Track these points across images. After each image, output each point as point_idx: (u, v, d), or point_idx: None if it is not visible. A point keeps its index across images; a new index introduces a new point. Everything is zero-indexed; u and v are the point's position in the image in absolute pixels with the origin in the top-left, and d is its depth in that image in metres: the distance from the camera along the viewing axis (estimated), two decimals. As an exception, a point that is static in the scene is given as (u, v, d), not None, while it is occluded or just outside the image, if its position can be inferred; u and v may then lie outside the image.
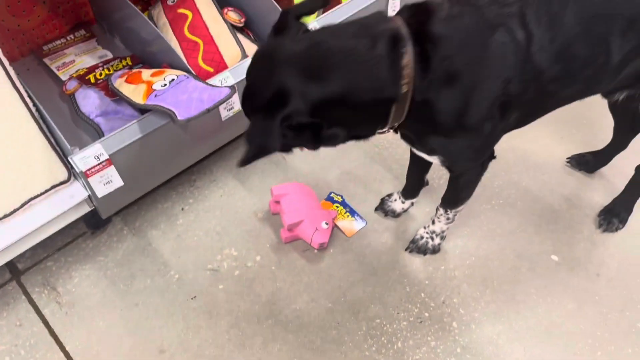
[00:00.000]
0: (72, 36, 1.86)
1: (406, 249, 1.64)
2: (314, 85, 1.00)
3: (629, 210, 1.68)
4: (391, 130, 1.19)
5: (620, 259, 1.60)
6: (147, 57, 1.72)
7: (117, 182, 1.41)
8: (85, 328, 1.48)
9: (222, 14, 1.70)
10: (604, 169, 1.79)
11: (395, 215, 1.71)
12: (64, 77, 1.72)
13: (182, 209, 1.72)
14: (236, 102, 1.52)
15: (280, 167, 1.82)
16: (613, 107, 1.60)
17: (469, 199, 1.47)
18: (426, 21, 1.06)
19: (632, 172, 1.61)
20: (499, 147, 1.30)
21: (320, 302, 1.53)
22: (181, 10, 1.71)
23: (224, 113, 1.52)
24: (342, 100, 1.03)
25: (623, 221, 1.67)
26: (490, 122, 1.16)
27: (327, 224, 1.60)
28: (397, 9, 1.77)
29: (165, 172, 1.62)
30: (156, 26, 1.75)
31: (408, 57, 1.03)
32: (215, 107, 1.30)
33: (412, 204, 1.71)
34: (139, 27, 1.65)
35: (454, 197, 1.49)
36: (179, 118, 1.28)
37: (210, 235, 1.66)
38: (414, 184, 1.66)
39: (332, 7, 1.71)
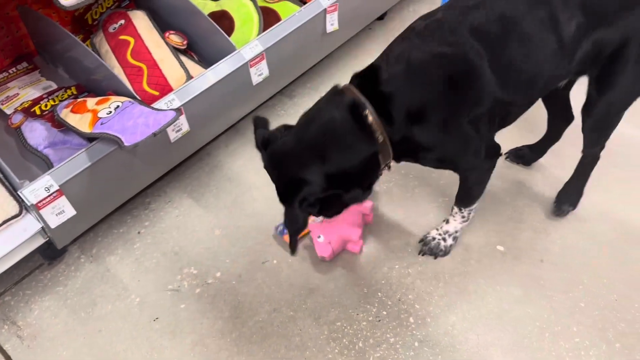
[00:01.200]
0: (14, 69, 1.86)
1: (419, 253, 1.67)
2: (314, 168, 1.25)
3: (579, 194, 1.77)
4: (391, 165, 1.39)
5: (561, 244, 1.70)
6: (92, 85, 1.73)
7: (70, 211, 1.42)
8: (49, 359, 1.48)
9: (164, 38, 1.74)
10: (542, 160, 1.90)
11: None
12: (8, 111, 1.72)
13: (139, 232, 1.74)
14: (184, 124, 1.56)
15: (234, 183, 1.86)
16: (547, 100, 1.70)
17: (481, 196, 1.57)
18: (374, 81, 1.26)
19: (569, 160, 1.71)
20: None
21: (282, 311, 1.57)
22: (123, 37, 1.74)
23: (173, 135, 1.55)
24: (340, 170, 1.27)
25: (574, 204, 1.76)
26: (466, 132, 1.32)
27: (320, 237, 1.61)
28: (335, 24, 1.86)
29: (118, 197, 1.64)
30: (99, 54, 1.77)
31: (371, 116, 1.25)
32: (162, 130, 1.34)
33: None
34: (82, 56, 1.67)
35: (466, 195, 1.57)
36: (126, 144, 1.30)
37: (169, 256, 1.68)
38: None
39: (272, 24, 1.77)
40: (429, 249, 1.67)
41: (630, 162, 1.88)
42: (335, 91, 1.31)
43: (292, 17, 1.76)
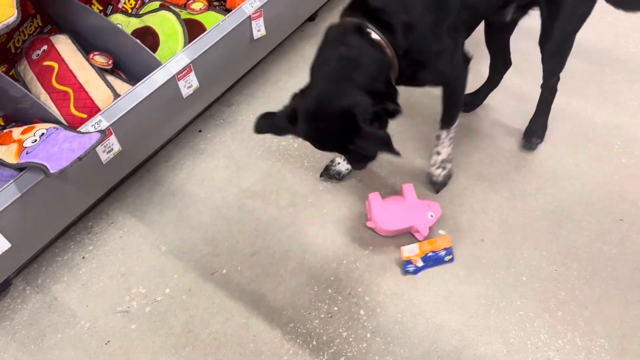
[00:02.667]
0: (-62, 106, 1.81)
1: (436, 193, 1.80)
2: (353, 91, 1.28)
3: (544, 127, 1.93)
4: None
5: (500, 222, 1.75)
6: (19, 114, 1.70)
7: (4, 244, 1.40)
8: (-1, 397, 1.45)
9: (88, 60, 1.72)
10: (474, 152, 1.96)
11: (340, 177, 1.84)
12: None
13: (83, 257, 1.72)
14: (114, 144, 1.55)
15: (177, 197, 1.85)
16: (489, 41, 1.84)
17: (461, 109, 1.69)
18: (364, 5, 1.36)
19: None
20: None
21: (235, 320, 1.57)
22: (47, 63, 1.71)
23: (104, 156, 1.54)
24: (371, 85, 1.31)
25: (541, 137, 1.92)
26: (448, 42, 1.46)
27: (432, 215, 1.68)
28: (262, 29, 1.87)
29: (56, 224, 1.61)
30: (24, 82, 1.74)
31: (374, 33, 1.33)
32: (88, 153, 1.33)
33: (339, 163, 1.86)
34: (6, 86, 1.64)
35: (452, 108, 1.68)
36: (52, 171, 1.29)
37: (116, 278, 1.67)
38: None
39: (198, 35, 1.77)
40: (440, 184, 1.80)
41: (558, 138, 1.96)
42: (331, 27, 1.38)
43: (216, 27, 1.76)
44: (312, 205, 1.81)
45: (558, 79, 1.81)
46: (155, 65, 1.66)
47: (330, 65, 1.32)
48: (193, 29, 1.81)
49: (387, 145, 1.28)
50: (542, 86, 1.83)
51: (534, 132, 1.92)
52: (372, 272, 1.65)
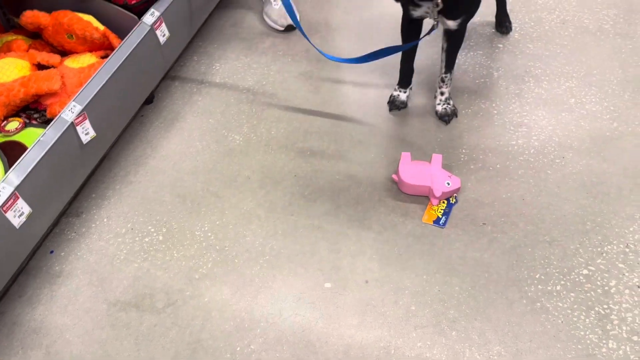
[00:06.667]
0: None
1: (447, 124, 2.14)
2: None
3: (507, 16, 2.49)
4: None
5: (378, 257, 1.77)
6: None
7: None
8: None
9: None
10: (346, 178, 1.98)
11: (405, 105, 2.22)
12: None
13: None
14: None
15: (42, 333, 1.66)
16: None
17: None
18: None
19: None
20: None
21: None
22: None
23: None
24: None
25: (509, 23, 2.49)
26: None
27: (449, 183, 1.90)
28: (90, 132, 1.77)
29: None
30: None
31: None
32: None
33: (411, 89, 2.22)
34: None
35: (454, 57, 2.05)
36: None
37: None
38: (408, 72, 2.18)
39: (19, 156, 1.63)
40: (448, 115, 2.14)
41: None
42: None
43: (37, 144, 1.63)
44: (191, 297, 1.71)
45: None
46: (-26, 203, 1.49)
47: None
48: (13, 152, 1.66)
49: None
50: None
51: (502, 22, 2.48)
52: (269, 351, 1.59)
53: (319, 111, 2.26)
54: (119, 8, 2.05)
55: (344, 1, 2.79)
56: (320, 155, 2.09)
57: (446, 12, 1.84)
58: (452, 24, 1.90)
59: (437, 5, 1.79)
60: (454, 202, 1.89)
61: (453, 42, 2.01)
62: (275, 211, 1.92)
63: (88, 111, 1.77)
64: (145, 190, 2.02)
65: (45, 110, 1.85)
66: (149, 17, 2.07)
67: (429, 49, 2.39)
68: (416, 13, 1.91)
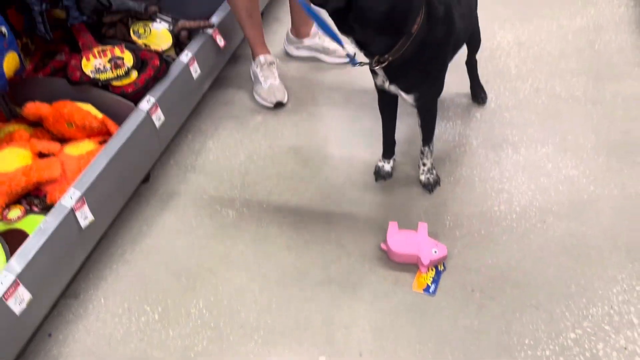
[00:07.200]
0: None
1: (431, 193, 2.23)
2: None
3: (481, 88, 2.64)
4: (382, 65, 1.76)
5: (371, 328, 1.81)
6: None
7: None
8: None
9: None
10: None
11: (390, 175, 2.32)
12: None
13: None
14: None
15: None
16: None
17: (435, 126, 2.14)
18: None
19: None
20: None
21: None
22: None
23: None
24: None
25: (484, 93, 2.64)
26: (447, 58, 1.94)
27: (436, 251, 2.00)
28: (89, 216, 1.84)
29: None
30: None
31: (421, 15, 1.68)
32: None
33: (394, 160, 2.33)
34: None
35: (429, 131, 2.14)
36: None
37: None
38: (390, 144, 2.29)
39: (21, 244, 1.69)
40: (432, 183, 2.23)
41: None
42: None
43: (37, 231, 1.70)
44: (187, 376, 1.73)
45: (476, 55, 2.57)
46: (-24, 292, 1.54)
47: None
48: (14, 240, 1.72)
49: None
50: (466, 64, 2.58)
51: (477, 94, 2.62)
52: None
53: (309, 183, 2.35)
54: (117, 97, 2.17)
55: (330, 79, 2.95)
56: (312, 226, 2.16)
57: (398, 83, 1.89)
58: (408, 99, 1.94)
59: (373, 64, 1.77)
60: (442, 269, 1.95)
61: (423, 118, 2.09)
62: (269, 285, 1.97)
63: (87, 196, 1.85)
64: (141, 269, 2.07)
65: (45, 197, 1.93)
66: (145, 104, 2.19)
67: (409, 119, 2.51)
68: (377, 81, 1.99)
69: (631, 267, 1.90)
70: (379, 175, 2.32)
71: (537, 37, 3.06)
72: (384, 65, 1.75)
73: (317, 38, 3.01)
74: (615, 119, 2.49)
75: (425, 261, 1.91)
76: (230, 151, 2.56)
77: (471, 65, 2.58)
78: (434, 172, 2.25)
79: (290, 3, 2.94)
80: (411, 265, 1.98)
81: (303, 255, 2.06)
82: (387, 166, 2.32)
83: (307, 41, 3.02)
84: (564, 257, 1.95)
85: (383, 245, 2.02)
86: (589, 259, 1.94)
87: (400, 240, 1.99)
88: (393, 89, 1.94)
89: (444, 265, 1.96)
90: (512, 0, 3.39)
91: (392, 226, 2.04)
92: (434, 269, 1.95)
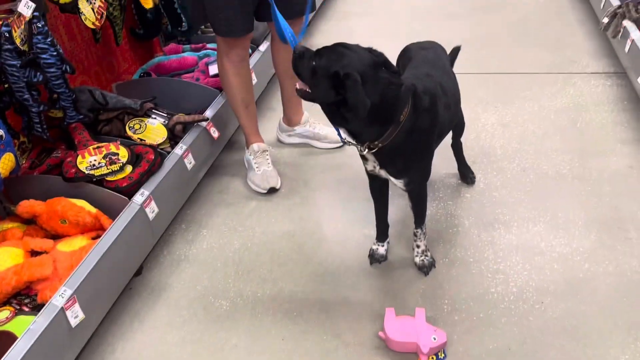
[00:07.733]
0: None
1: (426, 275, 2.22)
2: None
3: (468, 169, 2.68)
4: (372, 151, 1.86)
5: None
6: None
7: None
8: None
9: None
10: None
11: (385, 258, 2.32)
12: None
13: None
14: None
15: None
16: None
17: (426, 208, 2.18)
18: (416, 90, 1.85)
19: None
20: None
21: None
22: None
23: None
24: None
25: (472, 173, 2.69)
26: (432, 145, 2.03)
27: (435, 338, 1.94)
28: (79, 315, 1.81)
29: None
30: None
31: (408, 106, 1.80)
32: None
33: (388, 243, 2.34)
34: None
35: (420, 214, 2.17)
36: None
37: None
38: (383, 228, 2.30)
39: (8, 347, 1.65)
40: (427, 265, 2.23)
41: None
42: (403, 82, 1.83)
43: (27, 333, 1.67)
44: None
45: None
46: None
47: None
48: (1, 343, 1.68)
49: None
50: (452, 146, 2.63)
51: (465, 175, 2.67)
52: None
53: (303, 269, 2.34)
54: (110, 191, 2.21)
55: (322, 163, 3.01)
56: (307, 314, 2.12)
57: (388, 168, 1.95)
58: (398, 184, 2.00)
59: (364, 149, 1.85)
60: (443, 356, 1.90)
61: (414, 201, 2.13)
62: (264, 380, 1.91)
63: (78, 294, 1.83)
64: (133, 368, 2.01)
65: (36, 295, 1.90)
66: (139, 197, 2.22)
67: (401, 201, 2.55)
68: (368, 167, 2.04)
69: (634, 347, 1.86)
70: (374, 258, 2.31)
71: (520, 118, 3.17)
72: (374, 150, 1.85)
73: (308, 125, 3.10)
74: (603, 195, 2.53)
75: (425, 349, 1.86)
76: (224, 239, 2.56)
77: (457, 148, 2.65)
78: (429, 253, 2.26)
79: (282, 94, 3.05)
80: (411, 354, 1.92)
81: (299, 347, 2.01)
82: (381, 249, 2.32)
83: (298, 129, 3.11)
84: (565, 338, 1.91)
85: (381, 334, 1.98)
86: (590, 340, 1.90)
87: (398, 328, 1.95)
88: (383, 173, 2.00)
89: (444, 353, 1.91)
90: (492, 84, 3.54)
91: (390, 313, 2.01)
92: (435, 357, 1.89)
